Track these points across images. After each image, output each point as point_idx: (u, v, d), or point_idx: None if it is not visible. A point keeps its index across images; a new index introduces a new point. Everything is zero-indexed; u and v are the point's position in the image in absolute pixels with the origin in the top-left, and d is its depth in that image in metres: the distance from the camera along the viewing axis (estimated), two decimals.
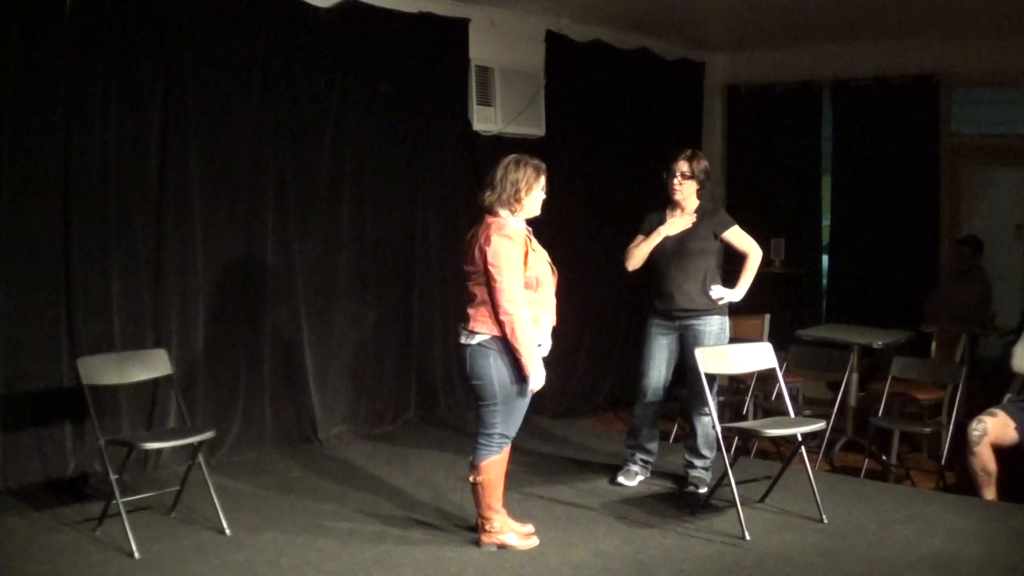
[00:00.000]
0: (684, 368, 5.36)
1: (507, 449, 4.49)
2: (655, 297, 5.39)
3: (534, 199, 4.40)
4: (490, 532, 4.45)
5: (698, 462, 5.40)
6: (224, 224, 5.85)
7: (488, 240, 4.29)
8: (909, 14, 7.14)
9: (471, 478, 4.43)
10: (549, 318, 4.49)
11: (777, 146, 8.96)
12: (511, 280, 4.26)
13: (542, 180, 4.40)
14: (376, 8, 6.44)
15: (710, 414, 5.17)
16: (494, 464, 4.41)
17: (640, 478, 5.49)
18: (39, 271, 5.16)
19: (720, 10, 7.45)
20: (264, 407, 6.09)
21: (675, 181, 5.30)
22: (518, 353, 4.30)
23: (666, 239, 5.32)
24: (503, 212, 4.35)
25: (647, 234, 5.37)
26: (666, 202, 5.41)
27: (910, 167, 8.26)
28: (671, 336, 5.38)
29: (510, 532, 4.49)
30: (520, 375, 4.36)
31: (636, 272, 5.45)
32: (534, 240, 4.44)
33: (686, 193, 5.32)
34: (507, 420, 4.42)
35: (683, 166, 5.29)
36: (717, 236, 5.36)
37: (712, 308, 5.30)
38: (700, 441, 5.38)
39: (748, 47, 8.81)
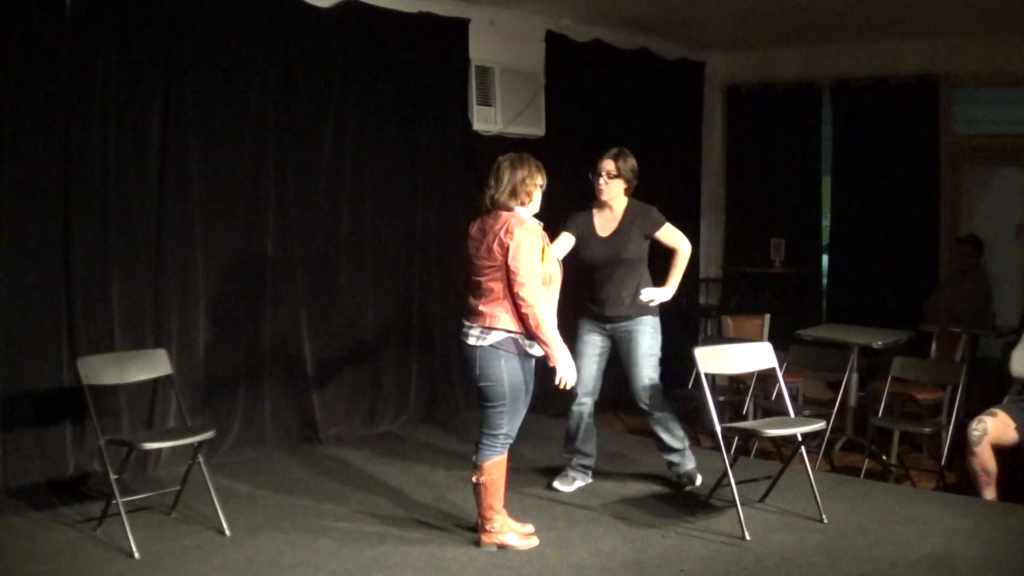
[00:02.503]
0: (626, 371, 5.26)
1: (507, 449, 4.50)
2: (588, 301, 5.25)
3: (538, 194, 4.41)
4: (490, 532, 4.45)
5: (674, 456, 5.34)
6: (224, 224, 5.85)
7: (510, 233, 4.26)
8: (909, 14, 7.14)
9: (474, 478, 4.43)
10: (554, 314, 4.48)
11: (777, 146, 8.96)
12: (532, 274, 4.25)
13: (540, 177, 4.41)
14: (376, 8, 6.44)
15: (665, 411, 5.17)
16: (497, 465, 4.41)
17: (579, 483, 5.39)
18: (39, 271, 5.16)
19: (720, 10, 7.45)
20: (264, 407, 6.09)
21: (601, 181, 5.16)
22: (544, 345, 4.29)
23: (598, 248, 5.16)
24: (515, 206, 4.34)
25: (573, 232, 5.21)
26: (592, 201, 5.27)
27: (910, 167, 8.26)
28: (604, 336, 5.27)
29: (510, 532, 4.49)
30: (530, 376, 4.38)
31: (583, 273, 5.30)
32: (545, 235, 4.45)
33: (612, 193, 5.18)
34: (512, 421, 4.41)
35: (609, 165, 5.15)
36: (648, 237, 5.23)
37: (645, 310, 5.21)
38: (667, 438, 5.30)
39: (748, 47, 8.81)
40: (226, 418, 5.87)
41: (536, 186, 4.38)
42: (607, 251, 5.18)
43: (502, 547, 4.45)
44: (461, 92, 7.04)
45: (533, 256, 4.27)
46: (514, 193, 4.33)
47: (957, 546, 4.51)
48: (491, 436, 4.40)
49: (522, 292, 4.23)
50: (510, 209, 4.34)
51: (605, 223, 5.24)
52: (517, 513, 4.71)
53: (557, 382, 4.37)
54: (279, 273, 6.12)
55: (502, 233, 4.27)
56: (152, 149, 5.51)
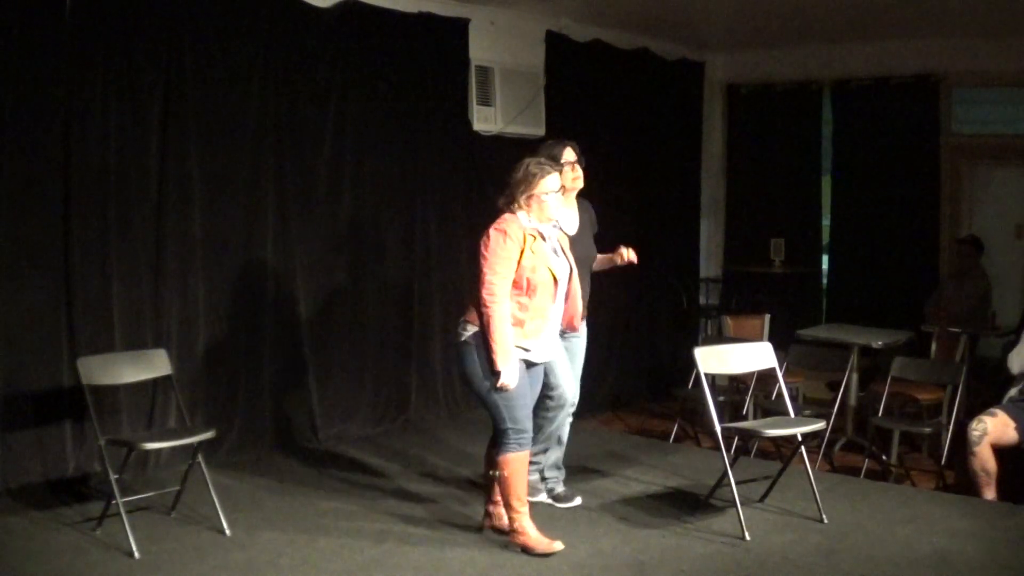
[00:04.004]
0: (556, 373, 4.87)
1: (528, 448, 4.45)
2: None
3: (538, 202, 4.34)
4: (516, 532, 4.41)
5: (561, 474, 5.14)
6: (224, 224, 5.85)
7: (486, 232, 4.32)
8: (909, 14, 7.14)
9: (491, 471, 4.46)
10: (545, 325, 4.44)
11: (777, 146, 8.96)
12: (495, 273, 4.25)
13: (543, 183, 4.34)
14: (376, 8, 6.44)
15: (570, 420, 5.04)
16: (513, 460, 4.38)
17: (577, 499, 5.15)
18: (39, 271, 5.15)
19: (720, 10, 7.44)
20: (264, 407, 6.09)
21: (579, 170, 4.92)
22: (492, 346, 4.23)
23: (573, 248, 4.68)
24: (513, 210, 4.36)
25: None
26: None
27: (910, 167, 8.25)
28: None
29: (534, 533, 4.41)
30: (524, 373, 4.36)
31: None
32: (538, 242, 4.36)
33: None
34: (515, 418, 4.36)
35: (572, 154, 4.89)
36: (594, 231, 5.12)
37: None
38: (560, 453, 5.10)
39: (748, 47, 8.80)
40: (226, 418, 5.87)
41: (531, 193, 4.33)
42: (578, 252, 4.78)
43: (525, 549, 4.39)
44: (461, 92, 7.04)
45: (502, 256, 4.25)
46: (509, 198, 4.37)
47: (957, 546, 4.51)
48: (500, 432, 4.40)
49: (482, 289, 4.25)
50: (509, 212, 4.36)
51: (564, 221, 4.85)
52: None
53: (500, 386, 4.27)
54: (279, 273, 6.12)
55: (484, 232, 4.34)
56: (152, 149, 5.51)
